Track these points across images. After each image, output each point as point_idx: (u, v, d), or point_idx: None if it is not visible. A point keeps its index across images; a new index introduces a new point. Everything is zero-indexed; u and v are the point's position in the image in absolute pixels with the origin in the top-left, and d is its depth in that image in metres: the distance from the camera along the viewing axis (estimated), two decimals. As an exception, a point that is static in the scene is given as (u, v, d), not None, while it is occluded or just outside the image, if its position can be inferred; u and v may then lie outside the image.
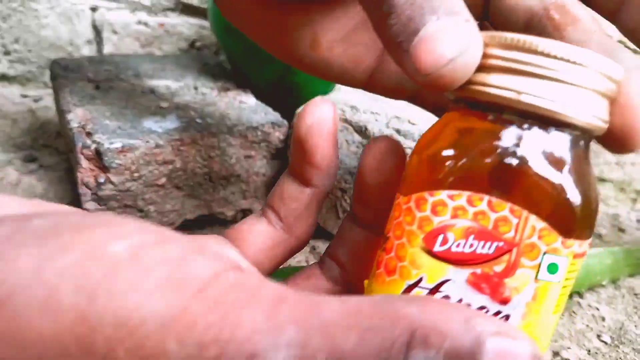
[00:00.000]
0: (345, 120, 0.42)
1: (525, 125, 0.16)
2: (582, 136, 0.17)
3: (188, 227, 0.43)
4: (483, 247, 0.16)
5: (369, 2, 0.19)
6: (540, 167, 0.16)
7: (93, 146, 0.35)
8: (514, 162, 0.16)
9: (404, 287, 0.17)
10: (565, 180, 0.16)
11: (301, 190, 0.22)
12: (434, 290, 0.17)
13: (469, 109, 0.17)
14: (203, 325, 0.11)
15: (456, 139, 0.17)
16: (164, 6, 0.66)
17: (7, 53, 0.66)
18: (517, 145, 0.16)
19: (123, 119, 0.39)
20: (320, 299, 0.13)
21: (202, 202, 0.41)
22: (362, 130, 0.41)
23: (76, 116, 0.39)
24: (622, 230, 0.53)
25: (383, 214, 0.20)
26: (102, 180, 0.36)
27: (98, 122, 0.38)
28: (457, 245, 0.16)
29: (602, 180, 0.59)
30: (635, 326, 0.37)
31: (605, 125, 0.17)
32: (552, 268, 0.16)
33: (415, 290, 0.17)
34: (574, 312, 0.38)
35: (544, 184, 0.16)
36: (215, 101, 0.45)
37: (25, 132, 0.58)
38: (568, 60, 0.15)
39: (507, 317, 0.16)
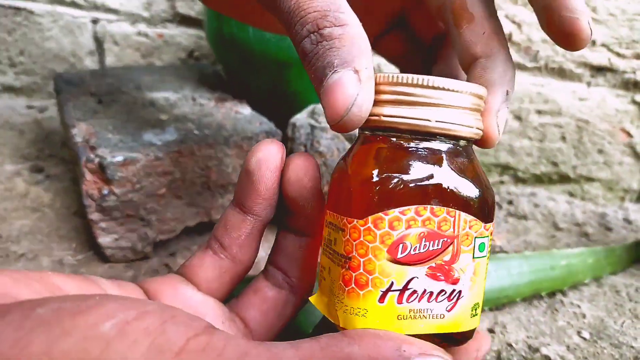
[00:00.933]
0: (337, 129, 0.44)
1: (438, 146, 0.20)
2: (470, 145, 0.22)
3: (189, 233, 0.45)
4: (433, 245, 0.20)
5: (292, 41, 0.22)
6: (455, 178, 0.20)
7: (96, 160, 0.37)
8: (440, 177, 0.20)
9: (379, 294, 0.20)
10: (475, 183, 0.21)
11: (243, 219, 0.24)
12: (404, 289, 0.20)
13: (386, 137, 0.21)
14: None
15: (393, 165, 0.20)
16: (162, 18, 0.68)
17: (12, 65, 0.68)
18: (437, 163, 0.20)
19: (124, 132, 0.41)
20: (278, 349, 0.16)
21: (201, 209, 0.44)
22: (352, 139, 0.43)
23: (80, 131, 0.41)
24: (609, 229, 0.54)
25: (308, 219, 0.24)
26: (105, 192, 0.38)
27: (101, 136, 0.40)
28: (415, 249, 0.20)
29: (590, 179, 0.60)
30: (615, 322, 0.39)
31: (481, 132, 0.22)
32: (481, 247, 0.21)
33: (390, 295, 0.20)
34: (556, 310, 0.40)
35: (464, 190, 0.20)
36: (213, 112, 0.47)
37: (31, 142, 0.60)
38: (456, 91, 0.20)
39: (460, 292, 0.21)
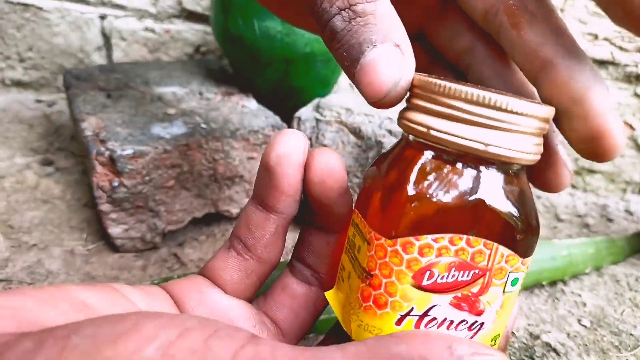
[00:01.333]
0: (341, 122, 0.45)
1: (489, 171, 0.18)
2: (524, 171, 0.19)
3: (196, 224, 0.46)
4: (462, 275, 0.18)
5: (317, 20, 0.20)
6: (503, 206, 0.18)
7: (107, 153, 0.38)
8: (484, 205, 0.18)
9: (397, 317, 0.19)
10: (522, 214, 0.19)
11: (266, 217, 0.22)
12: (423, 315, 0.19)
13: (432, 151, 0.19)
14: None
15: (433, 186, 0.18)
16: (169, 13, 0.69)
17: (21, 60, 0.69)
18: (484, 190, 0.18)
19: (133, 126, 0.42)
20: (325, 353, 0.15)
21: (208, 201, 0.44)
22: (356, 132, 0.44)
23: (90, 125, 0.42)
24: (610, 220, 0.55)
25: (335, 217, 0.22)
26: (116, 183, 0.39)
27: (110, 130, 0.41)
28: (442, 278, 0.18)
29: (592, 171, 0.61)
30: (615, 310, 0.40)
31: (539, 156, 0.19)
32: (514, 282, 0.19)
33: (407, 319, 0.19)
34: (557, 299, 0.41)
35: (509, 220, 0.18)
36: (219, 106, 0.48)
37: (41, 136, 0.61)
38: (522, 114, 0.18)
39: (482, 324, 0.19)
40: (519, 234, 0.19)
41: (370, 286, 0.19)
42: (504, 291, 0.19)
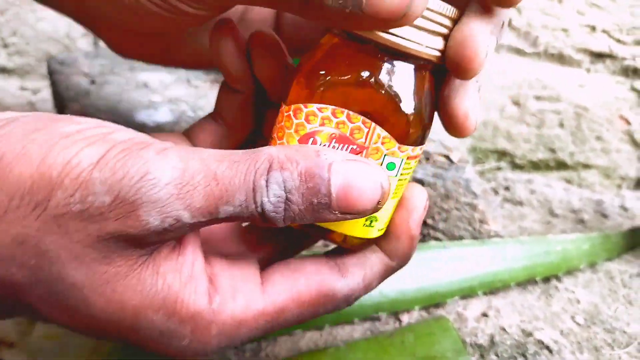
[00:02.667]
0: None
1: (380, 56, 0.20)
2: (421, 64, 0.21)
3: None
4: (342, 148, 0.20)
5: (316, 12, 0.20)
6: (387, 89, 0.20)
7: (88, 140, 0.37)
8: (368, 84, 0.20)
9: None
10: (403, 100, 0.20)
11: (232, 94, 0.26)
12: None
13: (342, 38, 0.21)
14: (116, 162, 0.17)
15: (327, 62, 0.21)
16: (158, -1, 0.67)
17: (5, 46, 0.67)
18: (372, 71, 0.20)
19: (117, 114, 0.41)
20: (201, 148, 0.19)
21: (195, 192, 0.43)
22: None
23: (72, 111, 0.40)
24: (605, 216, 0.54)
25: (279, 88, 0.24)
26: (97, 172, 0.37)
27: (93, 117, 0.39)
28: (323, 147, 0.20)
29: (588, 166, 0.60)
30: (609, 308, 0.39)
31: (438, 54, 0.21)
32: (390, 166, 0.21)
33: None
34: (550, 295, 0.40)
35: (388, 103, 0.20)
36: (207, 94, 0.47)
37: (24, 124, 0.60)
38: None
39: None
40: (396, 117, 0.20)
41: None
42: None
